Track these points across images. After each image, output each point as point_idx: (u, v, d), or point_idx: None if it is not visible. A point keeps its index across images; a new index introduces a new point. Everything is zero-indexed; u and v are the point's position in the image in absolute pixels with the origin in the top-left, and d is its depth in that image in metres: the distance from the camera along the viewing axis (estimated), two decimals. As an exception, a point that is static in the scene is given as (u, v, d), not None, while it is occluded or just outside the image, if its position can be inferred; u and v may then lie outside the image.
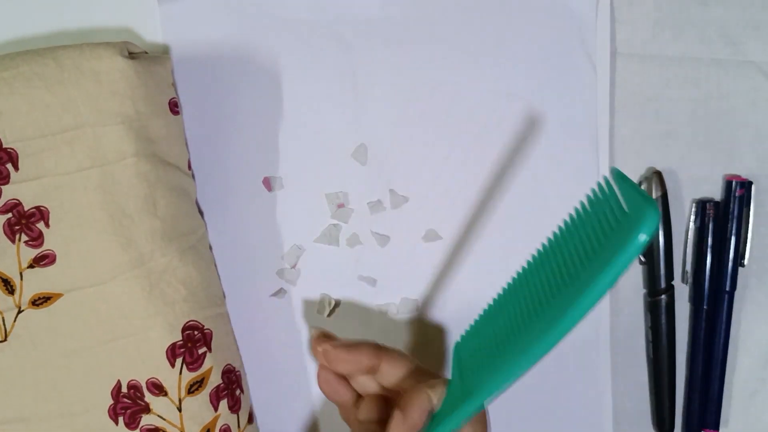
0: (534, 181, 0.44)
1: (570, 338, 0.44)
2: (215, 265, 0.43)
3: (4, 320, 0.38)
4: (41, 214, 0.38)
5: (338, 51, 0.44)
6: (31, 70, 0.37)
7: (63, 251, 0.38)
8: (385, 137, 0.44)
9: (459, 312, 0.44)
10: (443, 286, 0.45)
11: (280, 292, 0.44)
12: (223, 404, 0.40)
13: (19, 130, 0.37)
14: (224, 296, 0.43)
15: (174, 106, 0.40)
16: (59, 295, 0.38)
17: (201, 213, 0.43)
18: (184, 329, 0.39)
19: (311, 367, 0.44)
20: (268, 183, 0.44)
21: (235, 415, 0.40)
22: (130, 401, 0.38)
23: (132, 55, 0.39)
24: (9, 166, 0.38)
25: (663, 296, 0.45)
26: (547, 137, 0.44)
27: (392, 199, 0.44)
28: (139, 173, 0.38)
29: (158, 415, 0.39)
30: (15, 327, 0.38)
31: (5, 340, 0.38)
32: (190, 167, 0.42)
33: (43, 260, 0.38)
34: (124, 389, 0.38)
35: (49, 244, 0.38)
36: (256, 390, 0.44)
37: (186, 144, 0.42)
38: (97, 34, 0.43)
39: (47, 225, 0.38)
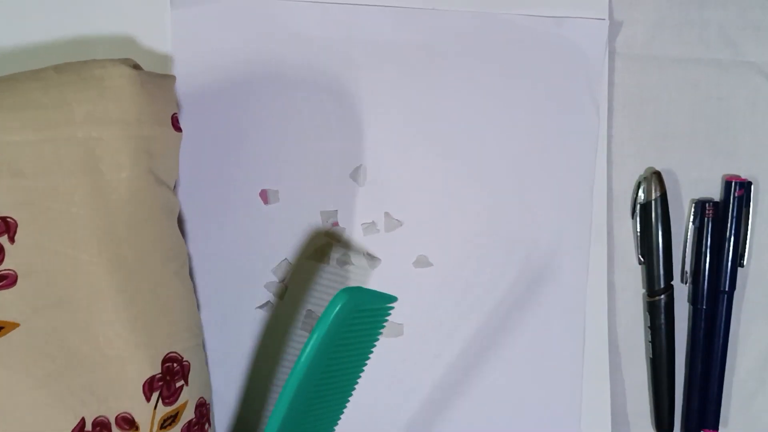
0: (531, 217, 0.45)
1: (569, 338, 0.45)
2: (195, 292, 0.41)
3: None
4: (7, 225, 0.33)
5: (346, 71, 0.44)
6: (30, 75, 0.35)
7: (27, 272, 0.33)
8: (384, 160, 0.44)
9: (444, 339, 0.45)
10: (430, 312, 0.45)
11: (266, 305, 0.44)
12: None
13: (0, 126, 0.33)
14: (201, 325, 0.41)
15: (176, 122, 0.38)
16: (14, 325, 0.33)
17: (184, 237, 0.41)
18: (164, 361, 0.36)
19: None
20: (265, 196, 0.44)
21: None
22: None
23: (137, 68, 0.36)
24: None
25: (662, 296, 0.45)
26: (546, 174, 0.45)
27: (386, 222, 0.44)
28: (133, 189, 0.35)
29: None
30: None
31: None
32: (175, 187, 0.39)
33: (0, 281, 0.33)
34: (89, 427, 0.34)
35: (10, 263, 0.33)
36: (235, 401, 0.44)
37: (178, 164, 0.40)
38: (104, 40, 0.43)
39: (11, 240, 0.33)
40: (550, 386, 0.45)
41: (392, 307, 0.38)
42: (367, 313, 0.37)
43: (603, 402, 0.45)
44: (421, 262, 0.45)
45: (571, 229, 0.45)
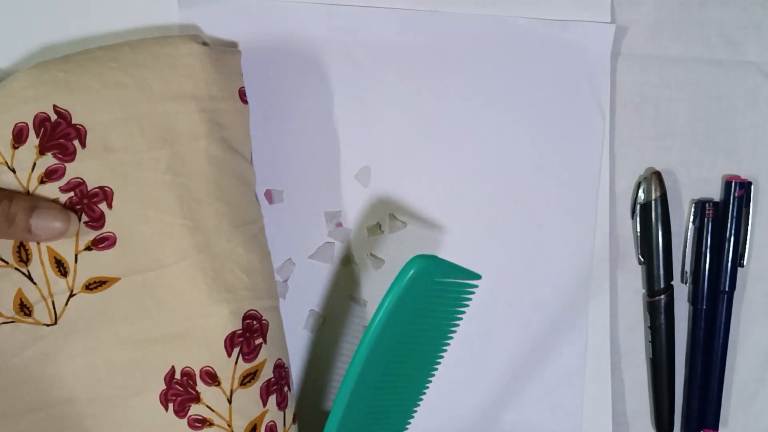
0: (534, 220, 0.45)
1: (569, 338, 0.45)
2: (270, 259, 0.42)
3: (54, 304, 0.37)
4: (104, 194, 0.37)
5: (351, 72, 0.44)
6: (106, 55, 0.38)
7: (124, 234, 0.37)
8: (389, 162, 0.44)
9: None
10: None
11: None
12: (272, 400, 0.39)
13: (90, 107, 0.37)
14: (277, 289, 0.42)
15: (243, 95, 0.40)
16: (116, 279, 0.37)
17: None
18: (244, 318, 0.38)
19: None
20: (269, 195, 0.44)
21: (282, 413, 0.40)
22: (181, 389, 0.38)
23: (205, 44, 0.39)
24: (76, 142, 0.37)
25: (662, 296, 0.45)
26: (550, 178, 0.45)
27: (390, 224, 0.44)
28: (210, 156, 0.38)
29: (207, 406, 0.38)
30: (66, 310, 0.37)
31: (55, 323, 0.37)
32: (251, 159, 0.41)
33: (102, 243, 0.37)
34: (178, 376, 0.38)
35: (110, 226, 0.37)
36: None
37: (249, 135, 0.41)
38: (111, 40, 0.42)
39: (110, 206, 0.37)
40: (552, 387, 0.45)
41: (476, 285, 0.37)
42: (446, 289, 0.36)
43: (604, 402, 0.45)
44: None
45: (575, 232, 0.45)
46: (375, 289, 0.44)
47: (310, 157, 0.44)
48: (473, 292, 0.37)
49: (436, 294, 0.36)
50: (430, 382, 0.39)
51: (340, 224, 0.44)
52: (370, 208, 0.44)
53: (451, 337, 0.39)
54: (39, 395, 0.38)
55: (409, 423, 0.40)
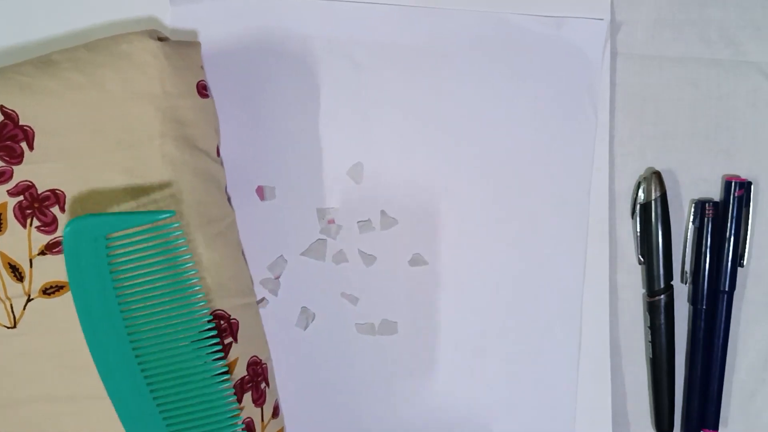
0: (527, 216, 0.45)
1: (565, 339, 0.45)
2: (244, 254, 0.42)
3: (12, 307, 0.37)
4: (56, 197, 0.37)
5: (348, 70, 0.44)
6: (63, 57, 0.37)
7: None
8: (382, 158, 0.44)
9: (438, 338, 0.45)
10: (425, 311, 0.45)
11: (261, 302, 0.44)
12: (247, 397, 0.39)
13: (46, 109, 0.36)
14: (253, 285, 0.42)
15: (203, 89, 0.39)
16: None
17: (229, 200, 0.42)
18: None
19: (285, 375, 0.44)
20: (261, 192, 0.44)
21: (259, 409, 0.40)
22: None
23: (161, 39, 0.38)
24: (23, 144, 0.36)
25: (662, 296, 0.45)
26: (543, 174, 0.45)
27: (382, 221, 0.44)
28: (165, 156, 0.37)
29: None
30: (25, 315, 0.37)
31: (14, 326, 0.37)
32: (218, 154, 0.41)
33: (56, 247, 0.37)
34: None
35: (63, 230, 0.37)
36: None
37: (217, 129, 0.41)
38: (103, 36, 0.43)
39: (62, 209, 0.37)
40: (545, 386, 0.45)
41: (158, 219, 0.35)
42: (134, 239, 0.35)
43: (604, 402, 0.45)
44: (417, 260, 0.45)
45: (568, 229, 0.45)
46: (367, 286, 0.44)
47: (303, 154, 0.44)
48: (171, 230, 0.36)
49: (125, 247, 0.35)
50: (204, 323, 0.37)
51: (332, 221, 0.44)
52: (362, 205, 0.44)
53: (183, 274, 0.36)
54: (16, 390, 0.38)
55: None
